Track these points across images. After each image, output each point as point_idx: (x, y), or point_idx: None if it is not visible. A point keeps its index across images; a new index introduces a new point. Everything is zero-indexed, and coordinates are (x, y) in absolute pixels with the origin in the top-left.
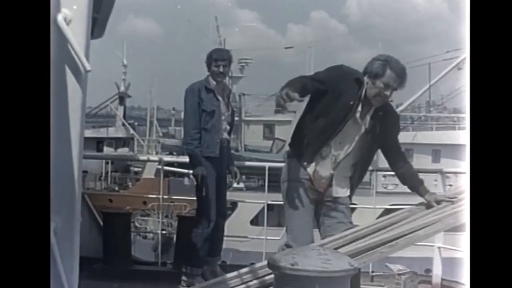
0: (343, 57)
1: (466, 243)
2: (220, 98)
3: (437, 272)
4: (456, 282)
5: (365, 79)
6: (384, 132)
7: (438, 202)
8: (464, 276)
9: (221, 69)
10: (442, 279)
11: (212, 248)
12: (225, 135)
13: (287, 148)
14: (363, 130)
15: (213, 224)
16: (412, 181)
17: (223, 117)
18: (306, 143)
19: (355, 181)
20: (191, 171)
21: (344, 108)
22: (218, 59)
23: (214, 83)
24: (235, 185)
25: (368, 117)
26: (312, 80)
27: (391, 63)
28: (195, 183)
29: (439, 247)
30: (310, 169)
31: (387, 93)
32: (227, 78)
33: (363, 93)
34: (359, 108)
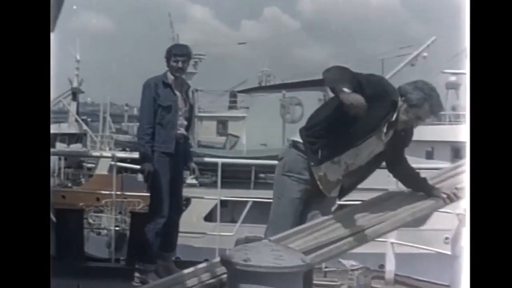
0: (297, 53)
1: (466, 243)
2: (177, 93)
3: (390, 267)
4: (409, 278)
5: (400, 101)
6: (398, 146)
7: (446, 195)
8: (464, 276)
9: (180, 65)
10: (395, 274)
11: (167, 243)
12: (182, 131)
13: (289, 138)
14: (382, 147)
15: (165, 220)
16: (416, 182)
17: (180, 113)
18: (321, 145)
19: (353, 186)
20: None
21: (372, 125)
22: (177, 55)
23: (172, 78)
24: (188, 181)
25: (390, 135)
26: (357, 81)
27: (432, 100)
28: (141, 179)
29: (392, 243)
30: (317, 171)
31: (416, 123)
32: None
33: (394, 117)
34: (385, 128)
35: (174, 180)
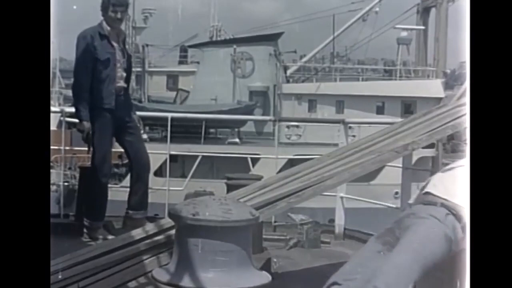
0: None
1: (467, 241)
2: (115, 44)
3: (340, 222)
4: (359, 232)
5: None
6: None
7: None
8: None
9: (118, 15)
10: (345, 229)
11: (138, 202)
12: (121, 83)
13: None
14: None
15: (107, 178)
16: None
17: (118, 65)
18: None
19: None
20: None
21: None
22: (116, 4)
23: (109, 28)
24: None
25: None
26: None
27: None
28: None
29: (341, 197)
30: None
31: None
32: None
33: None
34: None
35: (122, 134)
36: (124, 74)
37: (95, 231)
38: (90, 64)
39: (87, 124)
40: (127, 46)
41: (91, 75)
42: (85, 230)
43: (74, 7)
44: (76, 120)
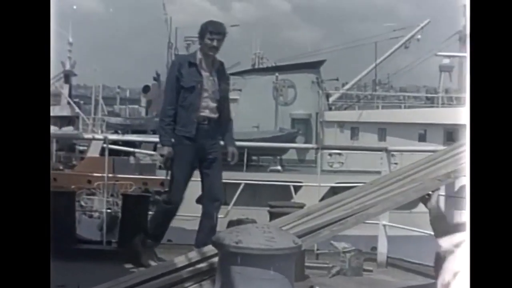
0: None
1: (466, 242)
2: (205, 73)
3: (382, 250)
4: (401, 260)
5: None
6: None
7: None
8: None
9: (215, 43)
10: (388, 257)
11: (203, 240)
12: (207, 113)
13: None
14: None
15: (174, 207)
16: None
17: (205, 94)
18: None
19: None
20: (136, 150)
21: None
22: (213, 32)
23: (200, 57)
24: None
25: None
26: None
27: None
28: (160, 164)
29: (384, 225)
30: None
31: None
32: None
33: None
34: None
35: (201, 164)
36: (213, 104)
37: (147, 256)
38: (175, 91)
39: (167, 149)
40: (222, 76)
41: (176, 102)
42: (136, 255)
43: (74, 7)
44: (120, 148)
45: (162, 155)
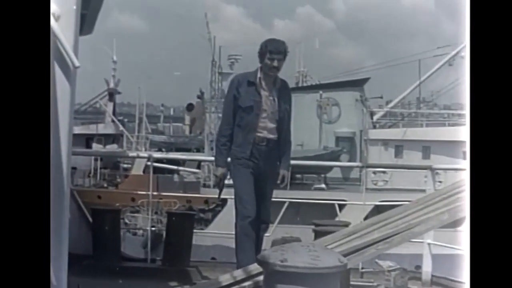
0: (332, 52)
1: (466, 241)
2: (264, 93)
3: (427, 268)
4: (446, 279)
5: None
6: None
7: None
8: (464, 274)
9: (275, 63)
10: (432, 276)
11: (246, 260)
12: (265, 134)
13: None
14: None
15: (248, 221)
16: None
17: (264, 114)
18: None
19: None
20: (180, 168)
21: None
22: (274, 52)
23: (260, 76)
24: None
25: None
26: None
27: None
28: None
29: (429, 243)
30: None
31: None
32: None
33: None
34: None
35: (256, 184)
36: (271, 125)
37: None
38: (232, 110)
39: (221, 170)
40: (283, 96)
41: (233, 121)
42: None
43: (74, 7)
44: (164, 166)
45: (216, 176)
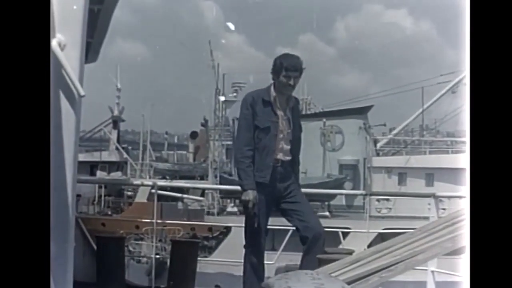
0: (335, 80)
1: (466, 269)
2: (280, 112)
3: None
4: None
5: None
6: None
7: None
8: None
9: (291, 82)
10: None
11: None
12: (281, 156)
13: None
14: None
15: (260, 255)
16: None
17: (281, 136)
18: None
19: None
20: (185, 196)
21: None
22: (290, 69)
23: (274, 94)
24: (228, 209)
25: None
26: None
27: None
28: (242, 210)
29: (432, 271)
30: None
31: None
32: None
33: None
34: None
35: (282, 205)
36: (287, 147)
37: None
38: (252, 130)
39: (252, 193)
40: (296, 116)
41: (253, 142)
42: None
43: (74, 7)
44: (168, 193)
45: (246, 201)
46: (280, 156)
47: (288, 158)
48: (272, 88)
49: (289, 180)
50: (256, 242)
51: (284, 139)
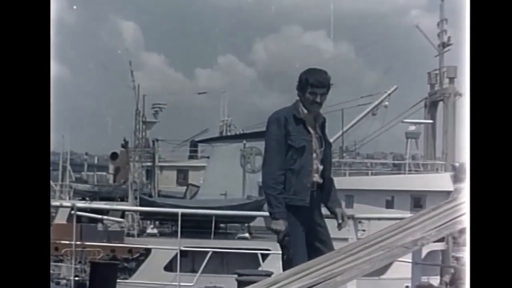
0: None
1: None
2: (312, 131)
3: None
4: None
5: None
6: None
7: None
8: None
9: (318, 99)
10: None
11: None
12: (316, 178)
13: (201, 193)
14: None
15: None
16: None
17: (314, 155)
18: None
19: None
20: (104, 217)
21: None
22: (316, 86)
23: (305, 111)
24: (148, 230)
25: None
26: None
27: None
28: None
29: None
30: None
31: None
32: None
33: None
34: None
35: (310, 236)
36: (320, 167)
37: None
38: (283, 153)
39: (284, 223)
40: (325, 133)
41: (285, 165)
42: None
43: (74, 7)
44: (88, 214)
45: (277, 231)
46: (316, 177)
47: (321, 179)
48: (300, 105)
49: (319, 208)
50: None
51: (317, 158)
